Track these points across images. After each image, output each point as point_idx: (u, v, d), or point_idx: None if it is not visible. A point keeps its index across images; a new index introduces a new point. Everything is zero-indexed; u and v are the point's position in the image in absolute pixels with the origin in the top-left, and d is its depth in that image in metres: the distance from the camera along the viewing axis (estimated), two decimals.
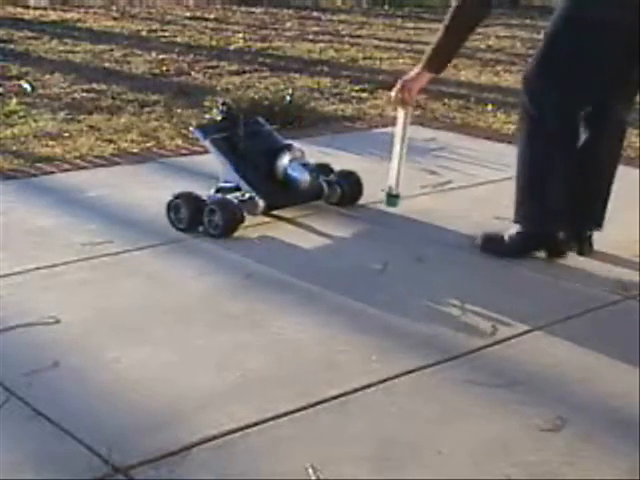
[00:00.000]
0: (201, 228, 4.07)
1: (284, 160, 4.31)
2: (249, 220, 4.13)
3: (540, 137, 3.68)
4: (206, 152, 5.42)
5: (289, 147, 4.39)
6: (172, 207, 4.14)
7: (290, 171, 4.30)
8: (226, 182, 4.28)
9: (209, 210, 4.04)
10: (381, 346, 3.06)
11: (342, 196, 4.43)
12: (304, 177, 4.28)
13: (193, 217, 4.07)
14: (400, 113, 3.99)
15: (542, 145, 3.69)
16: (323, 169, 4.45)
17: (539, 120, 3.65)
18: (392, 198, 4.12)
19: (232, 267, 3.74)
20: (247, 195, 4.19)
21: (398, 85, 3.89)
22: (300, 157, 4.36)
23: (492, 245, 3.84)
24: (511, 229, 3.80)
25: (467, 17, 3.72)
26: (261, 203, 4.18)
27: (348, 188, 4.45)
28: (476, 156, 5.39)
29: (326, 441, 2.53)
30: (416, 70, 3.85)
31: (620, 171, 5.17)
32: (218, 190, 4.24)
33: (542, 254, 3.80)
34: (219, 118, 4.52)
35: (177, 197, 4.13)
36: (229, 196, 4.17)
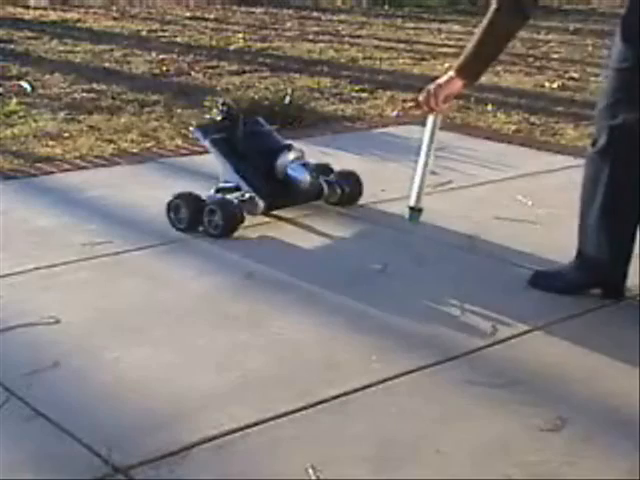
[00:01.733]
0: (201, 228, 4.07)
1: (284, 160, 4.30)
2: (249, 220, 4.13)
3: (611, 181, 3.31)
4: (206, 152, 5.43)
5: (289, 147, 4.38)
6: (172, 207, 4.14)
7: (290, 171, 4.29)
8: (226, 182, 4.28)
9: (209, 210, 4.04)
10: (381, 346, 3.06)
11: (342, 196, 4.43)
12: (304, 177, 4.28)
13: (193, 217, 4.07)
14: (428, 120, 3.60)
15: (611, 188, 3.32)
16: (323, 169, 4.44)
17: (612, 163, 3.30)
18: (414, 213, 3.69)
19: (232, 267, 3.74)
20: (247, 195, 4.18)
21: (425, 90, 3.53)
22: (300, 157, 4.36)
23: (544, 281, 3.54)
24: (566, 266, 3.53)
25: (504, 25, 3.37)
26: (261, 203, 4.18)
27: (348, 188, 4.44)
28: (476, 156, 5.39)
29: (326, 441, 2.53)
30: (447, 75, 3.48)
31: None
32: (218, 190, 4.24)
33: (597, 291, 3.50)
34: (219, 118, 4.51)
35: (177, 197, 4.13)
36: (229, 196, 4.17)
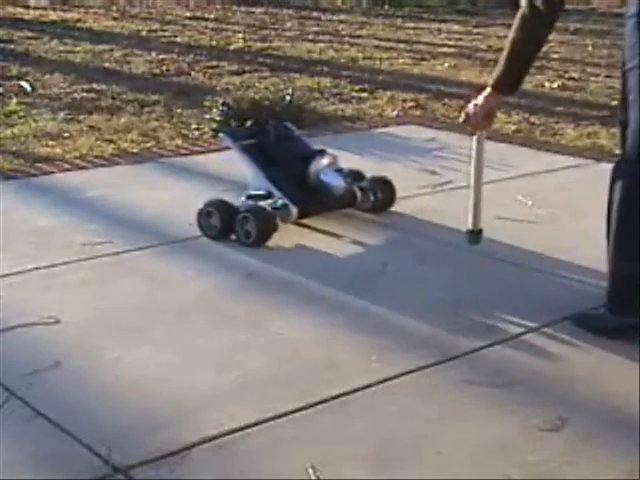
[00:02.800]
0: (233, 236, 3.98)
1: (317, 166, 4.18)
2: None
3: None
4: (205, 152, 5.44)
5: (322, 153, 4.26)
6: (203, 214, 4.02)
7: (324, 177, 4.17)
8: (256, 189, 4.14)
9: (242, 218, 3.92)
10: (381, 346, 3.06)
11: (375, 202, 4.32)
12: (339, 183, 4.16)
13: (225, 225, 3.96)
14: (473, 140, 3.50)
15: None
16: (355, 175, 4.32)
17: None
18: (473, 235, 3.58)
19: (232, 267, 3.74)
20: (280, 202, 4.07)
21: (464, 111, 3.44)
22: (333, 163, 4.23)
23: (589, 322, 3.26)
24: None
25: (536, 30, 3.20)
26: (294, 210, 4.06)
27: (381, 194, 4.33)
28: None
29: (326, 441, 2.53)
30: (485, 92, 3.37)
31: None
32: (249, 197, 4.12)
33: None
34: (248, 123, 4.38)
35: (209, 204, 4.02)
36: (261, 203, 4.05)
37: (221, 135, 4.40)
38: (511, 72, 3.29)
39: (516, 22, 3.21)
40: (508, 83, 3.32)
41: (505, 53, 3.26)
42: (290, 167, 4.20)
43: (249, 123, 4.42)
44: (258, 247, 3.89)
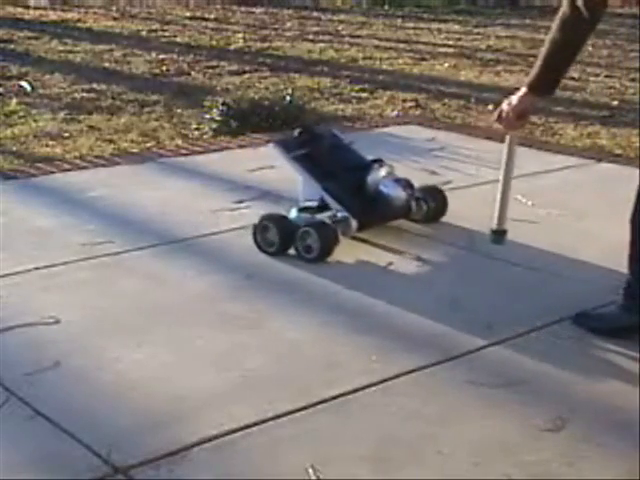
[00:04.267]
0: (292, 251, 3.82)
1: (376, 177, 4.04)
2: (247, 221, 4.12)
3: None
4: (205, 152, 5.44)
5: (379, 162, 4.12)
6: (260, 229, 3.86)
7: (383, 188, 4.03)
8: (308, 200, 4.00)
9: (303, 232, 3.76)
10: (381, 346, 3.06)
11: (427, 212, 4.20)
12: (399, 194, 4.03)
13: (284, 240, 3.81)
14: (506, 139, 3.45)
15: None
16: (407, 184, 4.15)
17: None
18: (497, 235, 3.56)
19: (232, 267, 3.74)
20: (340, 215, 3.91)
21: (498, 109, 3.36)
22: (391, 173, 4.09)
23: (589, 322, 3.27)
24: (614, 307, 3.30)
25: (577, 30, 3.09)
26: (354, 223, 3.91)
27: (434, 204, 4.21)
28: (476, 156, 5.39)
29: (326, 441, 2.53)
30: (520, 92, 3.27)
31: (620, 171, 5.17)
32: (301, 210, 3.97)
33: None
34: (296, 132, 4.20)
35: (265, 218, 3.87)
36: (319, 216, 3.91)
37: (272, 145, 4.22)
38: (548, 73, 3.18)
39: (556, 22, 3.11)
40: (544, 84, 3.23)
41: (543, 53, 3.16)
42: (346, 178, 4.04)
43: (297, 131, 4.20)
44: (320, 262, 3.74)
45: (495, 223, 3.52)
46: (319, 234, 3.75)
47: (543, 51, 3.17)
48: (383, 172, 4.06)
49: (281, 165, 5.17)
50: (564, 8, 3.08)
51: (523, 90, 3.25)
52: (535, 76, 3.19)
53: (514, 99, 3.28)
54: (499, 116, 3.34)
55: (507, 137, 3.43)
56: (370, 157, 4.20)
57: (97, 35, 10.06)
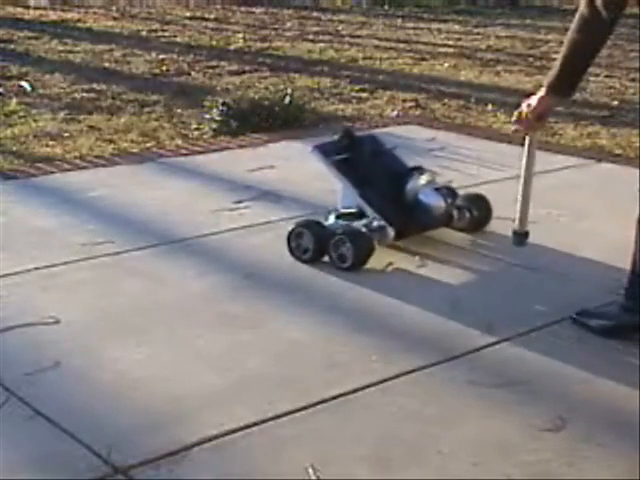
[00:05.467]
0: (327, 258, 3.74)
1: (415, 185, 3.94)
2: (243, 221, 4.13)
3: None
4: (205, 152, 5.44)
5: (419, 170, 4.02)
6: (294, 235, 3.78)
7: (422, 197, 3.92)
8: (346, 207, 3.93)
9: (337, 240, 3.68)
10: (381, 346, 3.06)
11: (471, 221, 4.09)
12: (439, 204, 3.93)
13: (318, 247, 3.72)
14: (525, 142, 3.42)
15: None
16: (449, 192, 4.09)
17: None
18: (518, 237, 3.56)
19: (232, 267, 3.74)
20: (376, 223, 3.82)
21: (517, 110, 3.34)
22: (432, 181, 4.00)
23: (588, 320, 3.27)
24: (614, 306, 3.31)
25: (596, 31, 3.06)
26: (391, 232, 3.81)
27: (477, 212, 4.10)
28: (476, 156, 5.39)
29: (326, 441, 2.53)
30: (539, 93, 3.25)
31: (620, 171, 5.18)
32: (339, 216, 3.90)
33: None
34: (336, 137, 4.10)
35: (300, 225, 3.80)
36: (355, 224, 3.83)
37: (311, 150, 4.09)
38: (567, 74, 3.16)
39: (574, 23, 3.07)
40: (563, 85, 3.20)
41: (562, 54, 3.14)
42: (386, 185, 3.94)
43: (337, 136, 4.12)
44: (354, 270, 3.67)
45: (517, 225, 3.51)
46: (353, 242, 3.66)
47: (562, 52, 3.15)
48: (423, 180, 3.96)
49: (281, 165, 5.19)
50: (582, 8, 3.05)
51: (542, 91, 3.23)
52: (554, 77, 3.17)
53: (533, 100, 3.26)
54: (518, 118, 3.31)
55: (527, 139, 3.40)
56: (419, 166, 4.09)
57: (97, 35, 10.06)
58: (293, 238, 3.78)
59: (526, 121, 3.30)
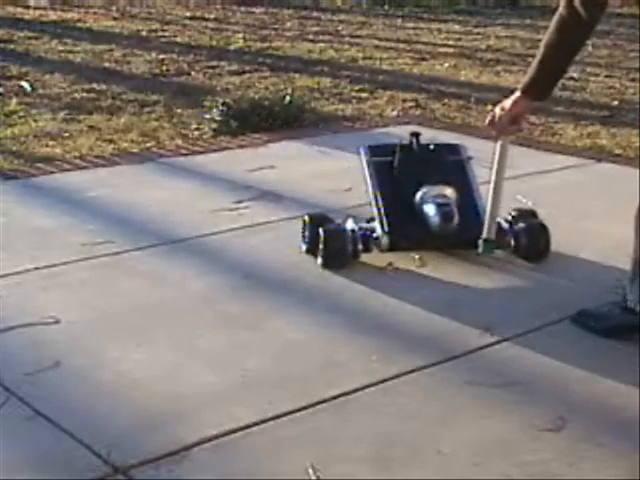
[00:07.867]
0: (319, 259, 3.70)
1: (422, 194, 3.75)
2: (242, 221, 4.12)
3: None
4: (205, 152, 5.44)
5: (447, 182, 3.79)
6: (307, 227, 3.80)
7: (425, 208, 3.72)
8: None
9: (323, 238, 3.67)
10: (381, 346, 3.06)
11: (516, 249, 3.74)
12: (434, 220, 3.67)
13: (312, 243, 3.73)
14: (496, 145, 3.36)
15: None
16: (524, 216, 3.84)
17: None
18: (487, 244, 3.52)
19: (232, 267, 3.74)
20: (378, 230, 3.73)
21: (490, 113, 3.30)
22: (443, 196, 3.73)
23: (588, 321, 3.22)
24: (614, 306, 3.25)
25: (574, 33, 3.01)
26: (385, 240, 3.69)
27: (525, 240, 3.75)
28: (476, 156, 5.38)
29: (326, 441, 2.53)
30: (514, 96, 3.20)
31: (620, 171, 5.17)
32: (369, 220, 3.81)
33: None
34: (405, 143, 3.96)
35: (310, 215, 3.84)
36: (350, 225, 3.76)
37: (361, 147, 3.99)
38: (543, 77, 3.11)
39: (553, 24, 3.03)
40: (539, 88, 3.15)
41: (538, 56, 3.09)
42: (403, 192, 3.77)
43: (402, 141, 3.95)
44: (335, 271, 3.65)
45: (485, 232, 3.46)
46: (325, 243, 3.67)
47: (539, 54, 3.09)
48: (434, 192, 3.74)
49: (281, 165, 5.19)
50: (561, 10, 3.02)
51: (517, 94, 3.18)
52: (530, 79, 3.12)
53: (507, 103, 3.20)
54: (491, 120, 3.26)
55: (499, 143, 3.32)
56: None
57: (97, 35, 10.06)
58: (306, 230, 3.82)
59: (500, 124, 3.24)
